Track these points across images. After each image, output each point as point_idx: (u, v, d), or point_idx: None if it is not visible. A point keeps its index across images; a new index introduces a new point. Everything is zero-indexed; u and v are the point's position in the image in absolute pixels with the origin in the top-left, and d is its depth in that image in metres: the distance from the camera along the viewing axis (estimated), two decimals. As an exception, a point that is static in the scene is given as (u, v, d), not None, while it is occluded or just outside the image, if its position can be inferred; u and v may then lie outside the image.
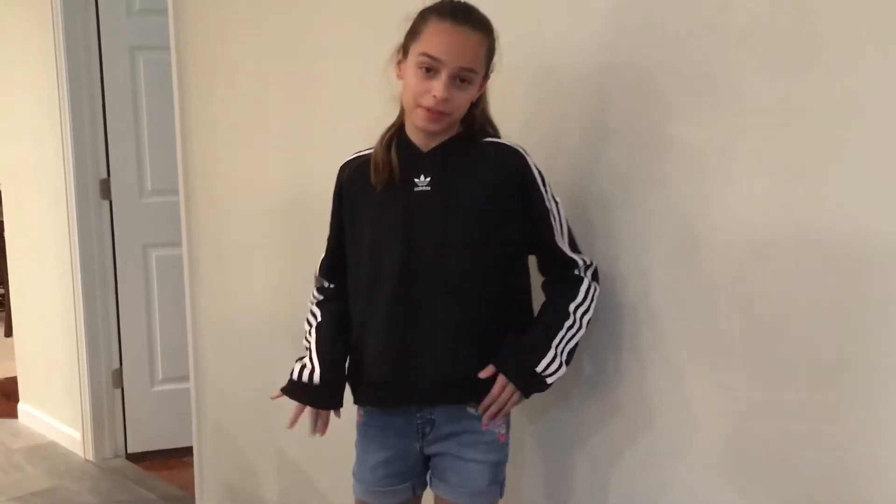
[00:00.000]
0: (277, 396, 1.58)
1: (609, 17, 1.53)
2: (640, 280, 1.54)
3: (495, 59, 1.44)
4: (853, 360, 1.27)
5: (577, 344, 1.47)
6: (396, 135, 1.48)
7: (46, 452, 3.45)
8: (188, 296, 2.69)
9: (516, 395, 1.44)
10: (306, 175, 2.21)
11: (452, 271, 1.42)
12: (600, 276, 1.53)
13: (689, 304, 1.47)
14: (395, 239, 1.44)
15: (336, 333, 1.56)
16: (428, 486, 1.58)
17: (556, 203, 1.48)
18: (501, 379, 1.44)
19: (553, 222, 1.47)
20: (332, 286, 1.62)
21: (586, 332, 1.49)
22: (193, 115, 2.58)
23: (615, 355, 1.60)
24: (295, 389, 1.54)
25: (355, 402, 1.57)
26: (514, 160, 1.45)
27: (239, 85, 2.41)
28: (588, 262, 1.51)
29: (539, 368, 1.43)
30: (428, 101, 1.37)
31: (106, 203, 3.25)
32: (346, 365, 1.56)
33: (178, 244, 2.75)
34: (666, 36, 1.45)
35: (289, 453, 2.42)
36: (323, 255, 1.63)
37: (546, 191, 1.46)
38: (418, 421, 1.50)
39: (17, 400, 3.87)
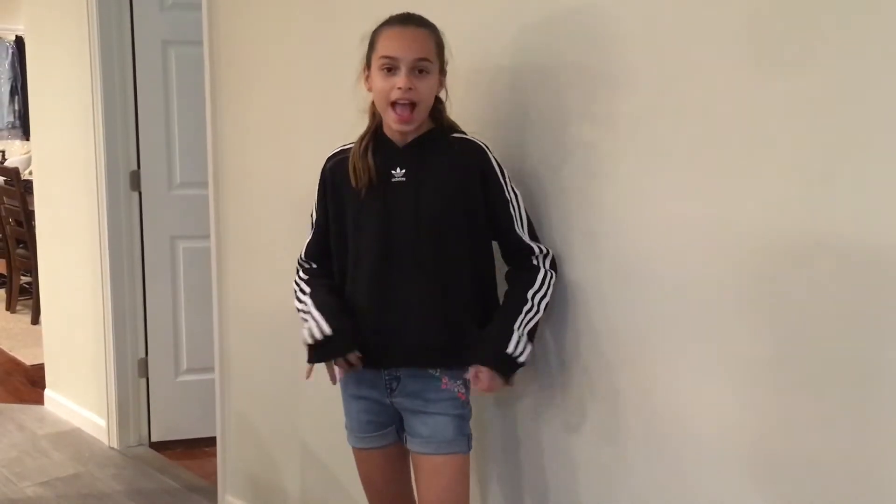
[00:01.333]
0: (308, 373, 1.72)
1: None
2: (657, 283, 1.55)
3: (447, 55, 1.64)
4: (879, 367, 1.28)
5: (536, 324, 1.63)
6: (373, 139, 1.67)
7: (71, 439, 3.51)
8: (215, 287, 2.73)
9: (499, 379, 1.61)
10: (334, 171, 2.23)
11: (424, 253, 1.62)
12: (557, 263, 1.69)
13: (705, 307, 1.48)
14: (375, 224, 1.64)
15: (328, 292, 1.73)
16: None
17: (516, 194, 1.65)
18: (484, 370, 1.60)
19: (512, 212, 1.64)
20: (315, 266, 1.81)
21: (545, 314, 1.65)
22: (224, 109, 2.62)
23: (622, 351, 1.61)
24: (318, 354, 1.68)
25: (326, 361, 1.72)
26: (476, 154, 1.64)
27: (269, 80, 2.44)
28: (545, 251, 1.66)
29: (509, 350, 1.59)
30: (395, 94, 1.56)
31: (135, 194, 3.30)
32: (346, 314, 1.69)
33: (205, 236, 2.78)
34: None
35: (311, 445, 2.45)
36: (308, 240, 1.81)
37: (506, 183, 1.64)
38: (386, 377, 1.69)
39: (43, 387, 3.93)
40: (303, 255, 1.84)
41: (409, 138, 1.64)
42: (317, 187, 1.78)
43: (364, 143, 1.66)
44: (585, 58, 1.61)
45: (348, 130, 2.18)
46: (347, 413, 1.79)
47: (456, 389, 1.68)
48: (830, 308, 1.32)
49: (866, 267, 1.28)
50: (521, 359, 1.60)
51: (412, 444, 1.70)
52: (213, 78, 2.63)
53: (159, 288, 3.34)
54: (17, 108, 7.56)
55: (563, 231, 1.69)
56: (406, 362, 1.67)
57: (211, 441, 2.93)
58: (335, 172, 1.72)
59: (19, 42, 7.36)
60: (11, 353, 4.68)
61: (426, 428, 1.67)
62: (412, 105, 1.57)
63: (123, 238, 3.30)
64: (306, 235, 1.83)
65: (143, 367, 3.40)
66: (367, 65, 1.64)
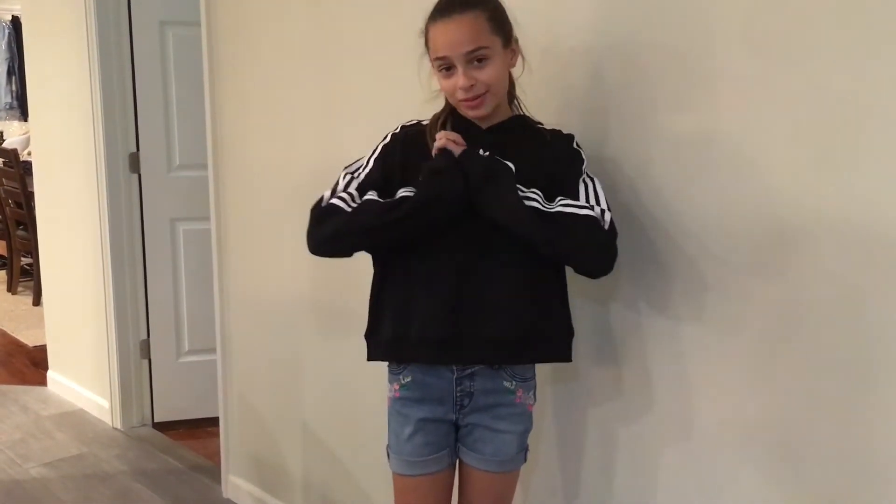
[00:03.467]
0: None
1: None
2: (667, 268, 1.55)
3: (511, 20, 1.47)
4: (883, 353, 1.28)
5: (535, 220, 1.41)
6: (450, 115, 1.53)
7: (75, 420, 3.53)
8: (216, 269, 2.73)
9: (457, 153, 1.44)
10: (334, 151, 2.23)
11: (501, 242, 1.44)
12: (616, 233, 1.46)
13: (716, 295, 1.48)
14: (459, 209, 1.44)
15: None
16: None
17: (592, 179, 1.49)
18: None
19: (582, 187, 1.47)
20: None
21: (552, 234, 1.41)
22: (223, 90, 2.61)
23: (638, 340, 1.62)
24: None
25: (400, 360, 1.56)
26: (564, 142, 1.53)
27: (268, 61, 2.43)
28: (608, 218, 1.44)
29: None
30: (459, 94, 1.44)
31: (135, 177, 3.30)
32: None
33: (205, 218, 2.78)
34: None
35: (313, 426, 2.46)
36: (351, 181, 1.53)
37: (584, 167, 1.50)
38: (458, 393, 1.54)
39: (46, 368, 3.95)
40: (339, 186, 1.53)
41: (493, 122, 1.52)
42: (375, 149, 1.57)
43: (441, 119, 1.53)
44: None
45: (349, 110, 2.18)
46: (398, 434, 1.59)
47: (528, 402, 1.57)
48: (831, 296, 1.33)
49: (866, 253, 1.28)
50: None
51: (469, 458, 1.58)
52: (212, 59, 2.62)
53: (160, 270, 3.35)
54: (14, 88, 7.52)
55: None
56: (485, 358, 1.50)
57: (214, 421, 2.95)
58: (408, 143, 1.54)
59: (16, 22, 7.30)
60: (13, 335, 4.70)
61: (490, 446, 1.56)
62: (479, 96, 1.44)
63: (123, 220, 3.31)
64: (341, 177, 1.55)
65: (146, 349, 3.41)
66: (433, 64, 1.50)
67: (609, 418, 1.69)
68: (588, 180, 1.49)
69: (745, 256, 1.43)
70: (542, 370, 1.70)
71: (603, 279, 1.50)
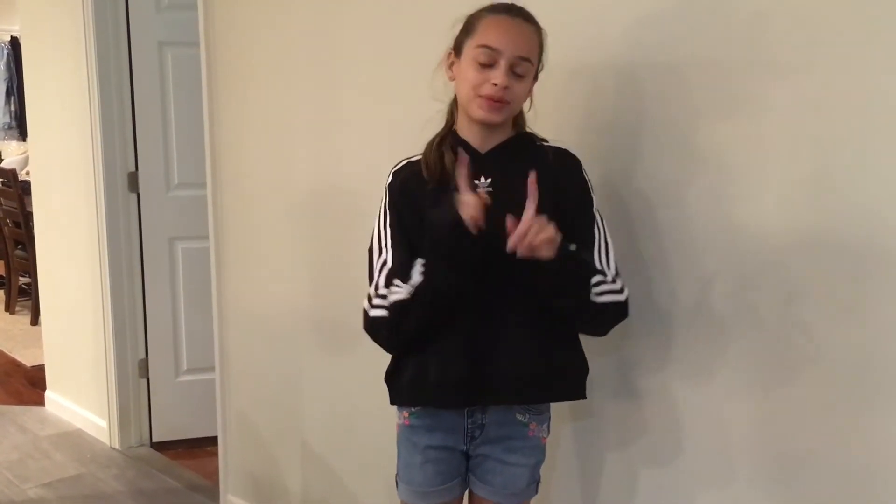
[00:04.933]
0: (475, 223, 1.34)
1: (639, 15, 1.55)
2: (676, 282, 1.55)
3: (543, 58, 1.44)
4: (880, 364, 1.29)
5: (571, 286, 1.38)
6: (447, 137, 1.48)
7: (73, 440, 3.51)
8: (214, 288, 2.73)
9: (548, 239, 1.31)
10: (333, 169, 2.24)
11: (520, 275, 1.37)
12: (627, 310, 1.44)
13: (720, 305, 1.49)
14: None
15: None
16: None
17: (600, 217, 1.46)
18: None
19: (597, 232, 1.44)
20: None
21: (573, 301, 1.40)
22: (221, 109, 2.62)
23: (644, 355, 1.62)
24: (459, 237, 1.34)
25: (410, 403, 1.53)
26: (570, 163, 1.47)
27: (266, 80, 2.44)
28: (619, 286, 1.42)
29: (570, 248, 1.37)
30: (487, 89, 1.37)
31: (134, 196, 3.30)
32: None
33: (203, 237, 2.79)
34: (699, 33, 1.47)
35: (312, 445, 2.46)
36: (380, 274, 1.45)
37: (594, 200, 1.47)
38: (469, 425, 1.51)
39: (44, 388, 3.93)
40: (380, 284, 1.44)
41: (491, 143, 1.45)
42: (382, 210, 1.50)
43: (438, 140, 1.47)
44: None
45: (347, 128, 2.19)
46: (408, 464, 1.55)
47: (542, 435, 1.54)
48: (830, 303, 1.33)
49: (865, 262, 1.29)
50: (571, 247, 1.36)
51: (479, 489, 1.56)
52: (210, 78, 2.63)
53: (159, 289, 3.34)
54: (13, 108, 7.54)
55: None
56: (500, 399, 1.47)
57: (212, 440, 2.94)
58: (407, 184, 1.48)
59: (14, 42, 7.33)
60: (11, 355, 4.68)
61: (501, 478, 1.52)
62: (503, 102, 1.38)
63: (122, 239, 3.30)
64: (374, 268, 1.48)
65: (144, 368, 3.40)
66: (457, 51, 1.43)
67: (624, 454, 1.69)
68: (600, 224, 1.45)
69: (753, 271, 1.43)
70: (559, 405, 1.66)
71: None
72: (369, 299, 1.45)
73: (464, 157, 1.37)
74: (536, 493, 1.58)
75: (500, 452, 1.51)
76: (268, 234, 2.51)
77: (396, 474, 1.59)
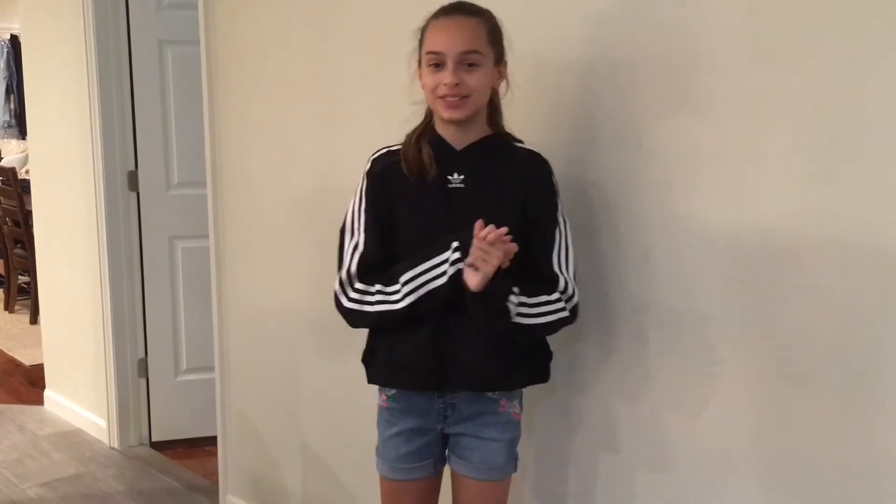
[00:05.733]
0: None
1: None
2: (658, 279, 1.55)
3: (505, 43, 1.51)
4: (878, 365, 1.28)
5: (518, 314, 1.47)
6: (425, 132, 1.55)
7: (72, 439, 3.50)
8: (214, 287, 2.73)
9: (482, 277, 1.41)
10: (333, 167, 2.23)
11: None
12: (578, 313, 1.53)
13: (704, 306, 1.48)
14: (439, 231, 1.49)
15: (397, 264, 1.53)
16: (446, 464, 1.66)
17: (565, 221, 1.54)
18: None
19: (557, 237, 1.52)
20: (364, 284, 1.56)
21: (524, 335, 1.50)
22: (221, 108, 2.61)
23: (632, 350, 1.61)
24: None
25: (383, 384, 1.63)
26: (539, 166, 1.54)
27: (266, 78, 2.44)
28: (571, 292, 1.51)
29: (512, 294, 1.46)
30: (442, 90, 1.46)
31: (133, 195, 3.29)
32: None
33: (203, 236, 2.78)
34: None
35: (312, 445, 2.45)
36: (352, 254, 1.55)
37: (559, 205, 1.54)
38: (440, 405, 1.59)
39: (43, 387, 3.93)
40: (352, 270, 1.54)
41: (467, 141, 1.53)
42: (358, 193, 1.58)
43: (417, 133, 1.55)
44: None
45: (347, 127, 2.18)
46: (384, 442, 1.65)
47: (513, 411, 1.60)
48: (830, 306, 1.33)
49: (866, 265, 1.28)
50: (511, 307, 1.45)
51: (458, 466, 1.62)
52: (210, 77, 2.63)
53: (158, 288, 3.34)
54: (12, 106, 7.54)
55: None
56: (466, 385, 1.55)
57: (211, 440, 2.93)
58: (385, 174, 1.56)
59: (14, 41, 7.33)
60: (10, 354, 4.67)
61: (478, 454, 1.59)
62: (462, 97, 1.45)
63: (122, 238, 3.30)
64: (345, 250, 1.57)
65: (143, 367, 3.40)
66: (419, 62, 1.54)
67: (597, 437, 1.69)
68: (562, 229, 1.53)
69: (741, 271, 1.43)
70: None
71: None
72: (342, 286, 1.54)
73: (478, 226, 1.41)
74: (515, 469, 1.64)
75: (474, 429, 1.59)
76: (268, 233, 2.51)
77: (375, 448, 1.67)
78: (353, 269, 1.54)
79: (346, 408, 2.30)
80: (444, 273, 1.45)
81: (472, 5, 1.50)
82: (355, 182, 2.01)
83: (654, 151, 1.53)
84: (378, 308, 1.51)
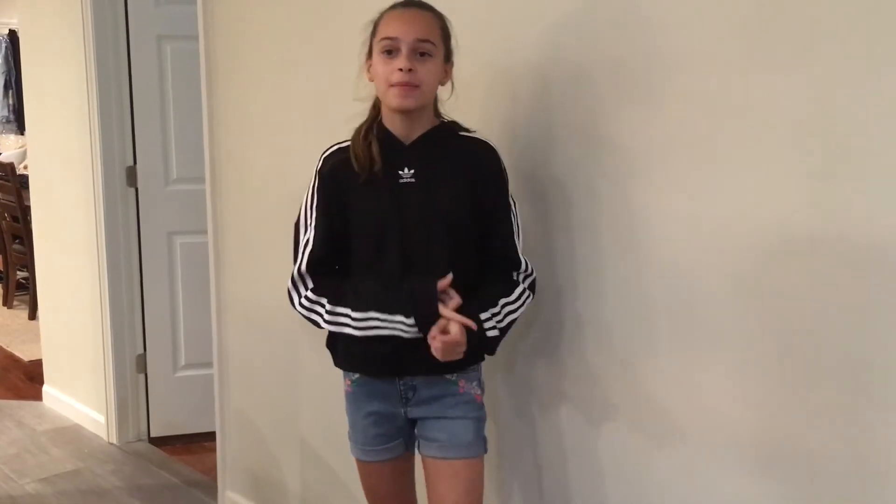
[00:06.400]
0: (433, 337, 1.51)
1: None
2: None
3: (453, 44, 1.57)
4: (878, 361, 1.28)
5: (498, 329, 1.54)
6: (372, 127, 1.58)
7: (71, 435, 3.51)
8: (213, 283, 2.72)
9: (463, 343, 1.49)
10: (332, 166, 2.23)
11: (437, 259, 1.54)
12: (537, 287, 1.64)
13: (700, 303, 1.48)
14: (392, 227, 1.55)
15: (355, 284, 1.60)
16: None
17: (514, 203, 1.61)
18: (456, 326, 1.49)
19: (513, 219, 1.59)
20: (316, 282, 1.62)
21: (508, 332, 1.58)
22: (220, 104, 2.61)
23: (625, 347, 1.61)
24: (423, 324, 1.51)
25: (345, 369, 1.69)
26: (488, 155, 1.59)
27: (266, 75, 2.43)
28: (530, 271, 1.61)
29: (482, 316, 1.52)
30: (396, 76, 1.48)
31: (132, 190, 3.29)
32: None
33: (202, 232, 2.78)
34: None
35: (311, 440, 2.45)
36: (303, 251, 1.62)
37: (507, 188, 1.60)
38: (401, 387, 1.63)
39: (41, 382, 3.93)
40: (303, 269, 1.62)
41: (415, 134, 1.56)
42: (310, 190, 1.64)
43: (364, 129, 1.58)
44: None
45: (346, 123, 2.18)
46: (353, 426, 1.72)
47: (473, 392, 1.63)
48: (828, 303, 1.32)
49: (864, 262, 1.28)
50: (490, 333, 1.53)
51: (427, 449, 1.64)
52: (209, 72, 2.62)
53: (157, 283, 3.34)
54: (11, 102, 7.53)
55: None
56: (423, 370, 1.58)
57: (210, 436, 2.93)
58: (337, 172, 1.60)
59: (13, 36, 7.32)
60: (9, 349, 4.67)
61: (443, 433, 1.61)
62: (413, 86, 1.49)
63: (120, 234, 3.29)
64: (299, 246, 1.65)
65: (142, 363, 3.40)
66: (369, 53, 1.56)
67: (586, 416, 1.69)
68: (514, 210, 1.60)
69: (741, 269, 1.43)
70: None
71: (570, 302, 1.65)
72: (294, 283, 1.63)
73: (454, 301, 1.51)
74: (486, 450, 1.65)
75: (437, 409, 1.62)
76: (267, 228, 2.51)
77: (348, 433, 1.73)
78: (304, 267, 1.61)
79: (344, 403, 2.29)
80: (401, 331, 1.52)
81: (425, 3, 1.56)
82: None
83: (642, 150, 1.55)
84: (332, 328, 1.59)
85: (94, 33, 3.14)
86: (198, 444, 3.32)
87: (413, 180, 1.55)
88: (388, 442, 1.68)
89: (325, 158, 1.64)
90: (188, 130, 3.15)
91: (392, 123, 1.57)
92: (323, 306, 1.59)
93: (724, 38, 1.40)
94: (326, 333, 1.67)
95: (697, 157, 1.46)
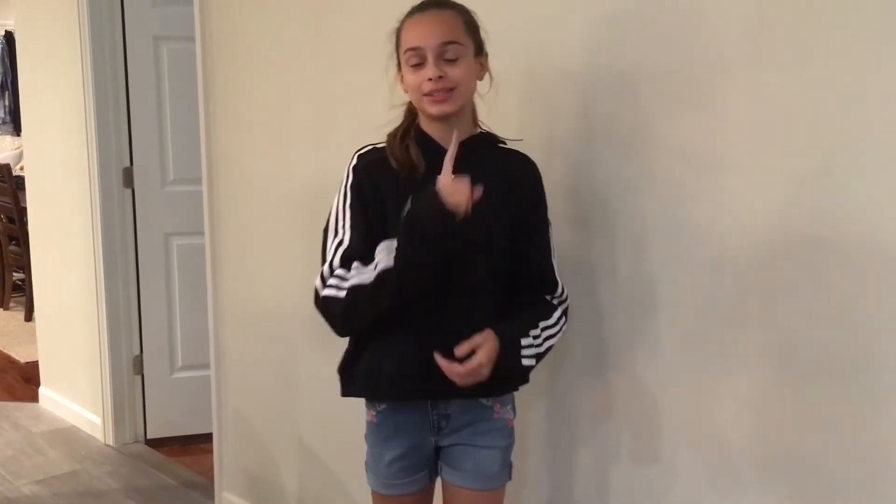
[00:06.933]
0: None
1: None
2: (652, 280, 1.55)
3: (483, 35, 1.48)
4: (876, 362, 1.28)
5: (535, 357, 1.46)
6: (409, 131, 1.50)
7: (67, 436, 3.50)
8: (210, 284, 2.72)
9: (487, 368, 1.39)
10: (328, 163, 2.23)
11: (477, 272, 1.45)
12: (576, 307, 1.58)
13: (704, 306, 1.48)
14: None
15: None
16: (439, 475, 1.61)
17: (549, 224, 1.54)
18: (489, 344, 1.39)
19: (550, 239, 1.53)
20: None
21: (544, 357, 1.49)
22: (217, 105, 2.60)
23: (629, 352, 1.61)
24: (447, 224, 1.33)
25: (370, 397, 1.56)
26: (528, 168, 1.53)
27: (262, 75, 2.43)
28: (564, 296, 1.53)
29: (523, 342, 1.44)
30: (427, 86, 1.41)
31: (129, 191, 3.28)
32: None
33: (199, 233, 2.77)
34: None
35: (308, 442, 2.45)
36: (336, 254, 1.47)
37: (546, 206, 1.53)
38: (434, 416, 1.53)
39: (38, 384, 3.92)
40: (335, 263, 1.46)
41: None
42: (343, 191, 1.50)
43: (399, 135, 1.49)
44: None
45: (342, 123, 2.18)
46: (375, 457, 1.59)
47: (506, 417, 1.55)
48: (827, 304, 1.33)
49: (863, 263, 1.28)
50: (526, 361, 1.44)
51: (451, 476, 1.56)
52: (206, 73, 2.62)
53: (154, 285, 3.33)
54: (7, 103, 7.52)
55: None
56: (459, 393, 1.45)
57: (207, 437, 2.93)
58: (372, 170, 1.49)
59: (9, 37, 7.31)
60: (5, 351, 4.66)
61: (471, 462, 1.53)
62: (447, 90, 1.41)
63: (117, 235, 3.29)
64: (328, 249, 1.50)
65: (139, 364, 3.39)
66: (399, 65, 1.49)
67: (598, 435, 1.69)
68: (551, 230, 1.53)
69: (741, 269, 1.43)
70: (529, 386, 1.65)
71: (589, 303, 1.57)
72: (322, 278, 1.46)
73: (455, 137, 1.38)
74: (510, 478, 1.59)
75: (467, 437, 1.53)
76: (264, 230, 2.50)
77: (365, 462, 1.61)
78: (336, 262, 1.46)
79: (342, 404, 2.28)
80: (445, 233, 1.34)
81: (443, 0, 1.47)
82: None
83: (655, 153, 1.52)
84: (354, 281, 1.40)
85: (90, 34, 3.14)
86: (195, 446, 3.32)
87: None
88: (414, 474, 1.57)
89: (359, 156, 1.53)
90: (185, 131, 3.14)
91: (430, 128, 1.49)
92: (349, 279, 1.42)
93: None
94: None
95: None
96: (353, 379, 1.55)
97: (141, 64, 3.19)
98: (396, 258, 1.36)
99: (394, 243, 1.37)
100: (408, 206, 1.39)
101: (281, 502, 2.57)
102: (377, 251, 1.40)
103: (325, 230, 1.53)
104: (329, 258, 1.48)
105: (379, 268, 1.37)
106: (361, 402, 1.60)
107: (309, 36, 2.25)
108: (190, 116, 2.81)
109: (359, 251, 1.44)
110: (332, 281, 1.44)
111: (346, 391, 1.56)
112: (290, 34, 2.32)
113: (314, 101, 2.26)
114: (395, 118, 1.54)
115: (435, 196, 1.32)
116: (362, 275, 1.40)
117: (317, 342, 2.36)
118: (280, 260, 2.45)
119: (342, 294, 1.41)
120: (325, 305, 1.46)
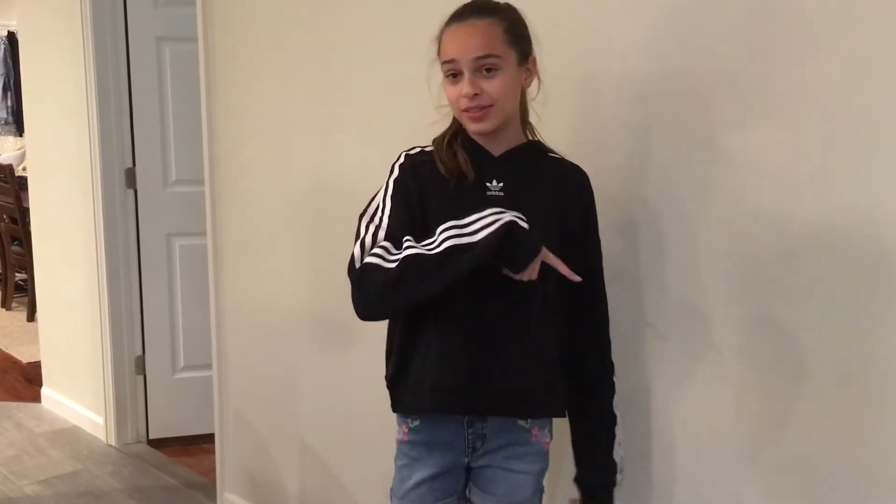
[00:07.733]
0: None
1: (654, 22, 1.52)
2: (688, 286, 1.55)
3: (526, 35, 1.40)
4: (878, 363, 1.28)
5: (620, 444, 1.51)
6: (457, 136, 1.45)
7: (69, 437, 3.50)
8: (212, 285, 2.72)
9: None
10: (331, 166, 2.23)
11: (526, 285, 1.34)
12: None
13: (706, 304, 1.48)
14: None
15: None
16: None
17: (599, 242, 1.49)
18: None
19: (601, 253, 1.48)
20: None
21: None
22: (219, 105, 2.61)
23: (642, 355, 1.61)
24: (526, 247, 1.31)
25: (411, 410, 1.47)
26: (580, 179, 1.46)
27: (265, 76, 2.43)
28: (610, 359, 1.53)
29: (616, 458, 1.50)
30: (463, 103, 1.35)
31: (131, 192, 3.29)
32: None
33: (201, 234, 2.78)
34: (717, 40, 1.43)
35: (310, 443, 2.45)
36: (378, 232, 1.38)
37: (597, 220, 1.48)
38: (470, 436, 1.45)
39: (40, 384, 3.92)
40: (376, 239, 1.37)
41: (504, 147, 1.42)
42: (387, 185, 1.44)
43: (446, 140, 1.44)
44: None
45: (345, 124, 2.18)
46: (404, 480, 1.49)
47: (543, 440, 1.48)
48: (824, 304, 1.33)
49: (860, 263, 1.28)
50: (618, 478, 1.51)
51: (480, 499, 1.49)
52: (208, 74, 2.62)
53: (156, 285, 3.33)
54: (9, 104, 7.53)
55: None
56: (499, 410, 1.41)
57: (209, 438, 2.93)
58: (418, 169, 1.43)
59: (11, 37, 7.32)
60: (7, 351, 4.67)
61: (504, 486, 1.47)
62: (484, 108, 1.35)
63: (119, 235, 3.29)
64: (360, 232, 1.41)
65: (141, 365, 3.39)
66: (443, 74, 1.42)
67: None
68: (601, 249, 1.49)
69: (742, 270, 1.43)
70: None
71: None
72: (363, 246, 1.37)
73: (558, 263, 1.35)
74: (541, 502, 1.53)
75: (502, 460, 1.46)
76: (266, 230, 2.51)
77: (391, 488, 1.53)
78: (381, 236, 1.37)
79: (344, 405, 2.29)
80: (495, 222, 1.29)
81: (486, 4, 1.38)
82: (353, 179, 2.00)
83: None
84: (407, 252, 1.31)
85: (93, 35, 3.15)
86: (196, 446, 3.32)
87: (501, 194, 1.40)
88: (444, 498, 1.48)
89: (407, 155, 1.47)
90: (187, 132, 3.15)
91: (478, 136, 1.43)
92: (387, 249, 1.34)
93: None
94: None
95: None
96: (401, 394, 1.47)
97: (143, 65, 3.19)
98: (479, 241, 1.28)
99: (459, 230, 1.30)
100: (507, 215, 1.29)
101: (282, 502, 2.57)
102: (439, 231, 1.32)
103: (362, 216, 1.44)
104: (362, 235, 1.40)
105: (448, 243, 1.29)
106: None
107: (311, 37, 2.25)
108: (192, 117, 2.82)
109: (397, 237, 1.36)
110: (376, 250, 1.35)
111: (395, 406, 1.49)
112: (292, 35, 2.32)
113: (316, 102, 2.26)
114: (437, 121, 1.49)
115: (538, 248, 1.30)
116: (420, 249, 1.31)
117: (319, 343, 2.36)
118: (282, 261, 2.45)
119: (390, 265, 1.32)
120: (363, 273, 1.35)
